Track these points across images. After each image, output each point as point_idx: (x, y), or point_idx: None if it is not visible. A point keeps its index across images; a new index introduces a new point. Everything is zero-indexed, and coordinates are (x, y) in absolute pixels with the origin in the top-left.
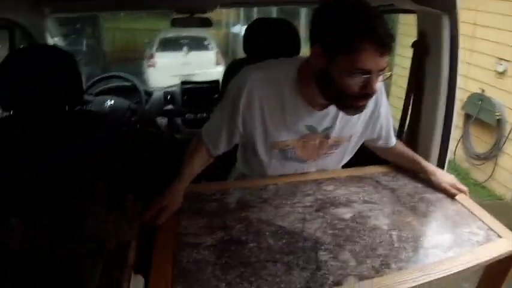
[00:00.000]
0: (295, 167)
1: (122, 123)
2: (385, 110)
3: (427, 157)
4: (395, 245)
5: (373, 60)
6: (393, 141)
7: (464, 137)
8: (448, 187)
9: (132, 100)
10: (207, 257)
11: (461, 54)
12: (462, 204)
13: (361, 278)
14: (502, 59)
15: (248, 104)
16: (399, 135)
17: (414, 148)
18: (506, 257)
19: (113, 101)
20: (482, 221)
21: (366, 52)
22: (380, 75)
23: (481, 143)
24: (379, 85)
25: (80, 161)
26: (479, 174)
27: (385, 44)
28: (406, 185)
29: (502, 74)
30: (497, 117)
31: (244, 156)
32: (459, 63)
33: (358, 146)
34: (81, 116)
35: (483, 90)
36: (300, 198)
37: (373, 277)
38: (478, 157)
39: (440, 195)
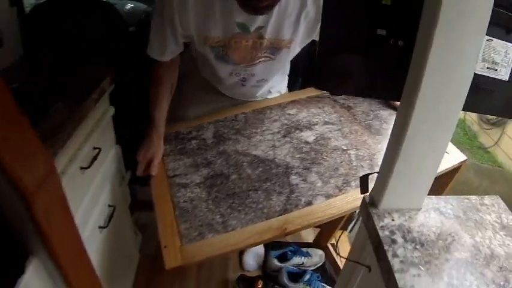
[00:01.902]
0: (230, 70)
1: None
2: None
3: None
4: (354, 163)
5: None
6: None
7: None
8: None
9: (150, 5)
10: (199, 194)
11: None
12: None
13: (328, 196)
14: None
15: (181, 4)
16: None
17: None
18: (448, 171)
19: (132, 5)
20: None
21: None
22: None
23: None
24: None
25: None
26: (486, 139)
27: None
28: (361, 103)
29: None
30: None
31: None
32: None
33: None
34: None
35: None
36: (268, 125)
37: (337, 195)
38: (488, 122)
39: (392, 111)
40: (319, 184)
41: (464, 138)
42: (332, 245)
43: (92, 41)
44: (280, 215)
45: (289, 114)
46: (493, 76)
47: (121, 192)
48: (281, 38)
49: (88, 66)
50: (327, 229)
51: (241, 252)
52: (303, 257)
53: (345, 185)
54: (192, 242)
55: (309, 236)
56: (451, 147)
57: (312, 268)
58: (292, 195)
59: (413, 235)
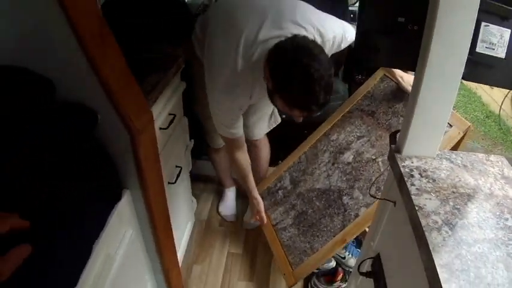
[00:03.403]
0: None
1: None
2: None
3: None
4: (381, 169)
5: (300, 115)
6: None
7: None
8: None
9: None
10: (293, 232)
11: None
12: None
13: (367, 205)
14: None
15: (245, 91)
16: None
17: None
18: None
19: None
20: None
21: (296, 111)
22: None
23: None
24: None
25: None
26: None
27: (314, 112)
28: (381, 103)
29: None
30: None
31: None
32: None
33: None
34: None
35: None
36: (321, 157)
37: (372, 202)
38: None
39: (405, 101)
40: (361, 197)
41: (498, 133)
42: None
43: (160, 27)
44: (341, 230)
45: (332, 140)
46: (492, 54)
47: (186, 157)
48: None
49: (162, 47)
50: None
51: (217, 208)
52: None
53: (377, 191)
54: (298, 266)
55: None
56: (456, 117)
57: None
58: (346, 213)
59: (428, 173)
